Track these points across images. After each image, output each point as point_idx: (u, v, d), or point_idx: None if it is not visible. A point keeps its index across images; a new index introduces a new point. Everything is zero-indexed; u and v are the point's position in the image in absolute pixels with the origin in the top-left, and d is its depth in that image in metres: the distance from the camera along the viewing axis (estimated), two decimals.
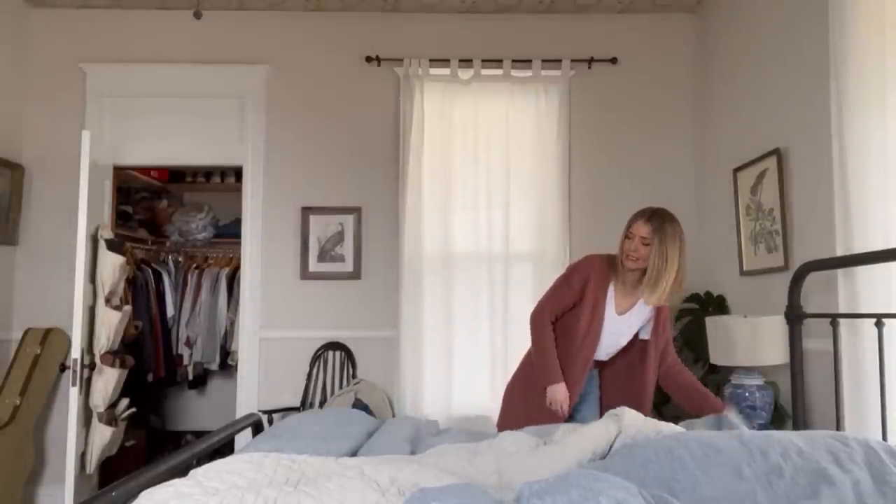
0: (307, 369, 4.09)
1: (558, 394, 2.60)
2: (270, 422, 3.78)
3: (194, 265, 5.10)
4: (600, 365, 2.83)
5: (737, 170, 3.63)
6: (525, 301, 4.09)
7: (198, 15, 2.82)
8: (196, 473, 1.61)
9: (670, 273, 2.53)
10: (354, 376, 4.09)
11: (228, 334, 4.97)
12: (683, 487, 1.47)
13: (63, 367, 3.91)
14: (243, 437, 3.73)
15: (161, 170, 5.09)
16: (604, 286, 2.66)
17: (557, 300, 2.72)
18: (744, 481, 1.47)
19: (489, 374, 4.03)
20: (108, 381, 3.69)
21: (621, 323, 2.69)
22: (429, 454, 1.92)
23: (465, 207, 4.11)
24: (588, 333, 2.63)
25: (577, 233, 4.21)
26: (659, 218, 2.57)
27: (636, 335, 2.76)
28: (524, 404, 2.73)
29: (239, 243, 4.30)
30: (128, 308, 3.92)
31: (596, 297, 2.64)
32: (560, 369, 2.62)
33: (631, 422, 1.81)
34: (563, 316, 2.73)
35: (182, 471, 1.72)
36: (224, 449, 2.55)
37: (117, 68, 4.18)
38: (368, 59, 4.22)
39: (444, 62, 4.15)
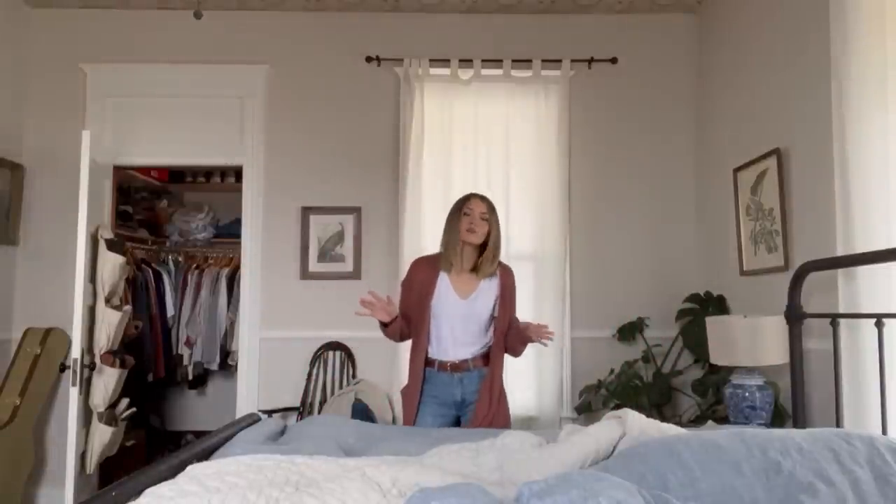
0: (307, 369, 4.09)
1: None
2: None
3: (194, 265, 5.10)
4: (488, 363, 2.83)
5: (737, 170, 3.63)
6: (525, 301, 4.08)
7: (198, 15, 2.82)
8: (196, 473, 1.61)
9: (498, 241, 2.79)
10: (354, 376, 4.09)
11: (228, 334, 4.97)
12: (682, 483, 1.47)
13: (63, 367, 3.91)
14: None
15: (161, 170, 5.09)
16: (432, 277, 2.76)
17: (400, 304, 2.83)
18: (742, 477, 1.48)
19: None
20: (108, 381, 3.69)
21: (469, 307, 2.75)
22: (430, 454, 1.92)
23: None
24: (422, 321, 2.74)
25: (577, 233, 4.21)
26: (489, 200, 2.82)
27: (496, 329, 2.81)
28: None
29: (239, 243, 4.30)
30: (128, 308, 3.92)
31: (427, 289, 2.75)
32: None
33: (634, 423, 1.81)
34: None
35: (182, 471, 1.72)
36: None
37: (117, 68, 4.18)
38: (368, 59, 4.22)
39: (444, 62, 4.15)
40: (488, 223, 2.75)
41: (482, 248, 2.76)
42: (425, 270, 2.81)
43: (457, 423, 2.81)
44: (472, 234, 2.72)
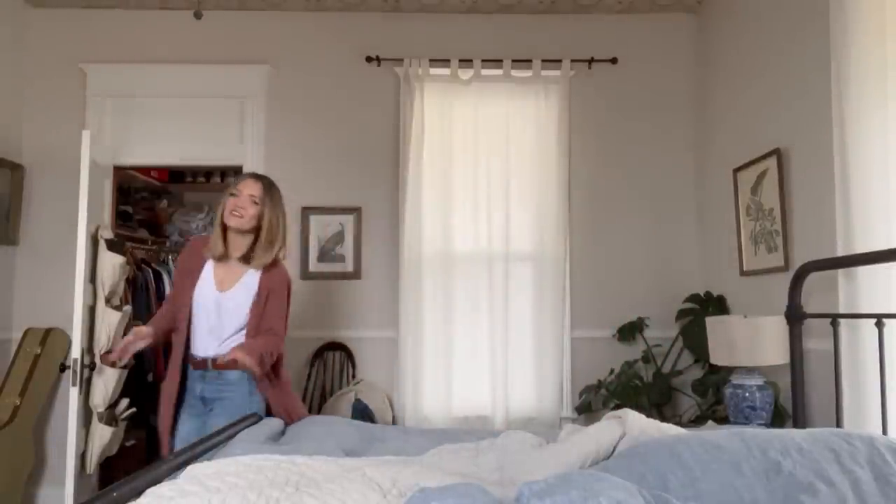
0: (307, 369, 4.09)
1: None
2: None
3: None
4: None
5: (737, 170, 3.63)
6: (525, 301, 4.09)
7: (198, 15, 2.82)
8: (196, 473, 1.61)
9: (282, 235, 2.55)
10: (354, 376, 4.09)
11: None
12: (682, 483, 1.47)
13: (63, 367, 3.91)
14: None
15: (161, 170, 5.08)
16: (200, 263, 2.53)
17: (173, 293, 2.63)
18: (742, 477, 1.48)
19: (489, 374, 4.03)
20: (108, 381, 3.69)
21: (224, 300, 2.50)
22: (431, 454, 1.92)
23: (465, 207, 4.11)
24: (183, 312, 2.49)
25: (577, 233, 4.21)
26: (267, 180, 2.57)
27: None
28: None
29: None
30: (128, 308, 3.92)
31: (193, 276, 2.51)
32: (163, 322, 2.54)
33: (634, 423, 1.81)
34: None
35: (182, 471, 1.72)
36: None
37: (117, 68, 4.18)
38: (368, 59, 4.22)
39: (444, 62, 4.15)
40: (260, 207, 2.49)
41: (259, 233, 2.50)
42: (196, 255, 2.55)
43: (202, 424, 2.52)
44: (236, 217, 2.45)
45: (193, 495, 1.44)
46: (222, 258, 2.51)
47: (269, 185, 2.55)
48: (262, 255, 2.51)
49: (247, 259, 2.52)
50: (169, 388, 2.53)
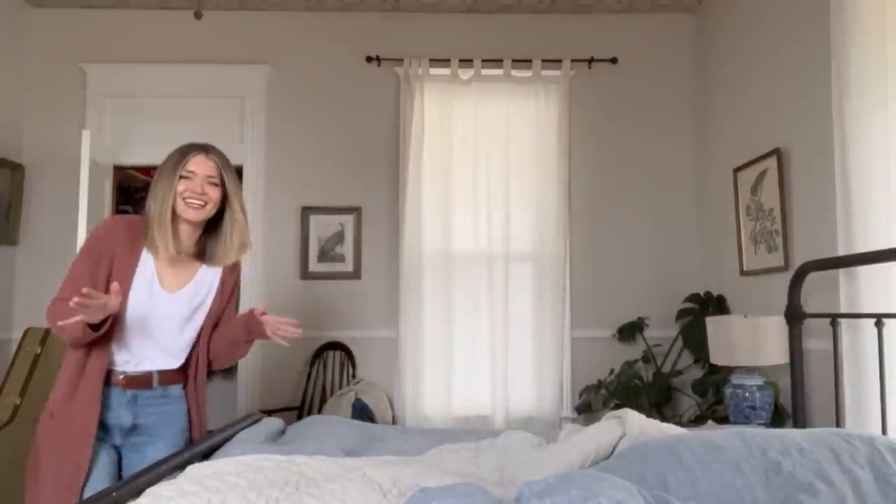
0: (307, 369, 4.09)
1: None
2: None
3: None
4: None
5: (737, 170, 3.63)
6: (525, 301, 4.09)
7: (198, 15, 2.82)
8: (196, 473, 1.61)
9: (245, 220, 2.09)
10: (354, 376, 4.09)
11: None
12: (682, 483, 1.47)
13: None
14: None
15: None
16: (133, 256, 1.97)
17: (74, 283, 1.91)
18: (742, 477, 1.48)
19: (489, 374, 4.03)
20: None
21: (179, 304, 2.03)
22: (431, 454, 1.92)
23: (465, 207, 4.12)
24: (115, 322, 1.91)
25: (577, 233, 4.22)
26: (218, 151, 2.04)
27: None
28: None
29: None
30: None
31: (123, 272, 1.95)
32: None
33: (634, 423, 1.81)
34: None
35: (182, 471, 1.72)
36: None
37: (117, 68, 4.18)
38: (368, 59, 4.22)
39: (445, 62, 4.15)
40: (220, 189, 2.01)
41: (212, 222, 2.06)
42: (124, 243, 1.97)
43: (118, 461, 2.02)
44: (195, 209, 1.96)
45: (193, 495, 1.44)
46: (170, 253, 1.97)
47: (224, 161, 2.04)
48: (226, 251, 2.06)
49: (204, 256, 2.07)
50: (83, 421, 1.89)
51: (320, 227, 4.19)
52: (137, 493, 1.52)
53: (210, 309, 2.10)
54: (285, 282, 4.17)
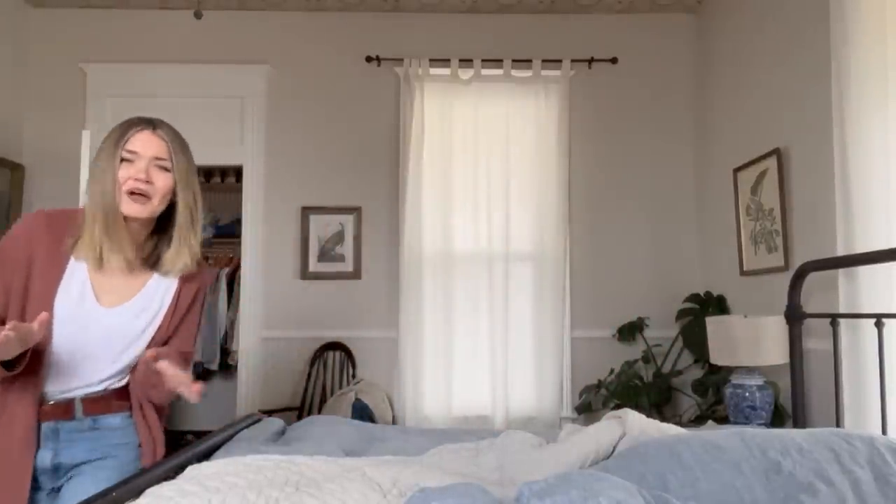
0: (307, 369, 4.09)
1: None
2: None
3: None
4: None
5: (737, 170, 3.63)
6: (525, 301, 4.10)
7: (198, 15, 2.82)
8: (196, 473, 1.61)
9: (198, 219, 1.69)
10: (354, 376, 4.09)
11: (228, 334, 4.97)
12: (682, 483, 1.47)
13: None
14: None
15: None
16: (59, 261, 1.57)
17: None
18: (742, 477, 1.48)
19: (489, 374, 4.03)
20: None
21: (121, 322, 1.63)
22: (431, 454, 1.92)
23: (465, 207, 4.12)
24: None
25: (576, 233, 4.22)
26: (170, 129, 1.63)
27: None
28: None
29: (239, 243, 4.30)
30: None
31: (47, 281, 1.55)
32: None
33: (634, 423, 1.81)
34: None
35: (182, 471, 1.72)
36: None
37: (117, 68, 4.18)
38: (368, 59, 4.22)
39: (444, 62, 4.16)
40: (172, 175, 1.60)
41: (163, 219, 1.65)
42: (46, 245, 1.56)
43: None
44: (138, 202, 1.55)
45: (193, 495, 1.44)
46: (105, 259, 1.57)
47: (176, 138, 1.62)
48: (179, 254, 1.65)
49: (154, 263, 1.67)
50: (22, 458, 1.55)
51: (320, 227, 4.19)
52: (137, 493, 1.52)
53: (159, 327, 1.69)
54: (285, 282, 4.17)
